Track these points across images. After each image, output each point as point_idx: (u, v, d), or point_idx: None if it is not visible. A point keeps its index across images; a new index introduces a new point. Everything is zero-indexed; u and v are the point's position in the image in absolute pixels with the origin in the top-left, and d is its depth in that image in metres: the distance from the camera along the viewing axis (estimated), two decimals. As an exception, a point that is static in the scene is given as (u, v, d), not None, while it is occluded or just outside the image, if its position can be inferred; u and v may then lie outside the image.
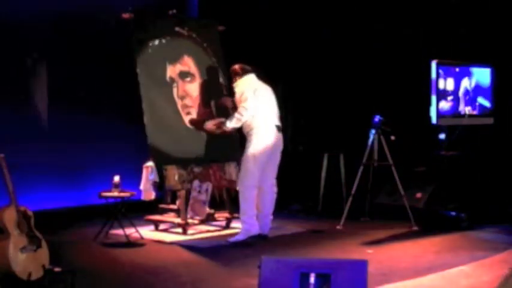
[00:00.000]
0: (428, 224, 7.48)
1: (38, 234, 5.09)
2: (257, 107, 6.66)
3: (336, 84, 9.05)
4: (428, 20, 8.47)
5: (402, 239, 6.90)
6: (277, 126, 6.77)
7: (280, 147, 6.83)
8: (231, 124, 6.77)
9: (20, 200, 5.03)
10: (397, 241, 6.82)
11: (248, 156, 6.63)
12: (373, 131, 7.64)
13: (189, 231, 7.03)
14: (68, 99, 7.85)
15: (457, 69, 7.90)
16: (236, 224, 7.32)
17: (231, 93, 7.21)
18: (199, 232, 7.13)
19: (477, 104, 8.11)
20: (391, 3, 8.65)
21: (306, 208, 8.66)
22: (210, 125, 7.07)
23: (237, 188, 6.82)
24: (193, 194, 7.06)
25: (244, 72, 6.84)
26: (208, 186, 7.11)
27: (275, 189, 6.88)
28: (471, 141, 8.18)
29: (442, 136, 7.85)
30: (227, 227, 7.38)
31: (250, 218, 6.63)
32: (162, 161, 6.87)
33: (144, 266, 5.74)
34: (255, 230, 6.65)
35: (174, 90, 7.21)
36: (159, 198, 7.34)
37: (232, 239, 6.67)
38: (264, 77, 7.06)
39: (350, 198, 7.52)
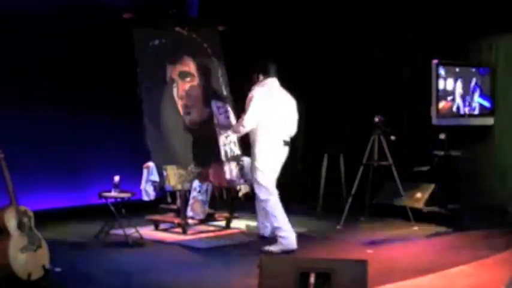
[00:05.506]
0: (428, 224, 7.48)
1: (38, 234, 5.09)
2: (263, 119, 6.34)
3: (336, 84, 9.04)
4: (428, 20, 8.47)
5: (402, 239, 6.90)
6: (285, 142, 6.49)
7: (285, 158, 6.57)
8: (235, 132, 6.77)
9: (20, 200, 5.03)
10: (397, 241, 6.81)
11: (256, 170, 6.42)
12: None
13: (189, 231, 7.03)
14: (67, 99, 7.85)
15: (457, 69, 7.89)
16: (236, 224, 7.33)
17: (231, 92, 7.21)
18: (199, 232, 7.12)
19: (477, 104, 8.10)
20: (391, 4, 8.65)
21: (306, 208, 8.65)
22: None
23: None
24: (193, 194, 7.05)
25: (265, 76, 6.53)
26: (208, 186, 7.11)
27: None
28: (471, 141, 8.20)
29: (442, 136, 7.84)
30: (227, 227, 7.38)
31: (285, 231, 6.29)
32: (162, 161, 6.87)
33: (144, 266, 5.74)
34: (292, 246, 6.26)
35: (174, 90, 7.21)
36: (159, 198, 7.33)
37: (266, 248, 6.25)
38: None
39: (350, 198, 7.52)
